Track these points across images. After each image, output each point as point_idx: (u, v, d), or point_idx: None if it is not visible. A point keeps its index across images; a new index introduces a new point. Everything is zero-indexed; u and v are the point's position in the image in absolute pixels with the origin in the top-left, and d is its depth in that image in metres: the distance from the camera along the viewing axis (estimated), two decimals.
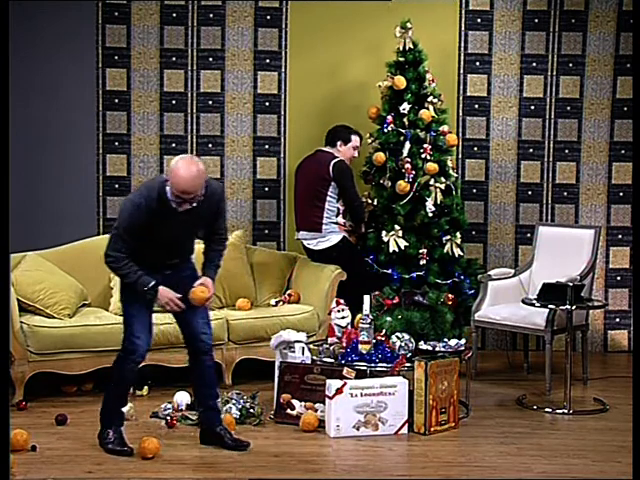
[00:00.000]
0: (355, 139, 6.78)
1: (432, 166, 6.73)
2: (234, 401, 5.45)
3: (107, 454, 4.81)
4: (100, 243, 6.12)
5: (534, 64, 7.37)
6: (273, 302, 6.49)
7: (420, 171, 6.74)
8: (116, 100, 7.16)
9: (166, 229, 4.73)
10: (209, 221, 4.89)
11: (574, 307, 5.74)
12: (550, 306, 5.86)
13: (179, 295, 4.81)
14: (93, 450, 4.87)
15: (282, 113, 7.26)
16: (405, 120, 6.79)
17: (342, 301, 5.94)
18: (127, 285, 4.83)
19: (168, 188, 4.65)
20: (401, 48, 6.84)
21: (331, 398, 5.13)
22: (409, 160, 6.73)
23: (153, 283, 4.75)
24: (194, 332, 4.93)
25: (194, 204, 4.66)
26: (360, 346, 5.49)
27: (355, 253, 6.75)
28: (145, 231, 4.69)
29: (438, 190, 6.76)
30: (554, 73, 7.37)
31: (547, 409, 5.79)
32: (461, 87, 7.35)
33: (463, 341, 5.77)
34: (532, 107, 7.38)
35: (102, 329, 5.83)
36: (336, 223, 6.67)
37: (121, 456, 4.80)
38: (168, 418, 5.34)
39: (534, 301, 5.86)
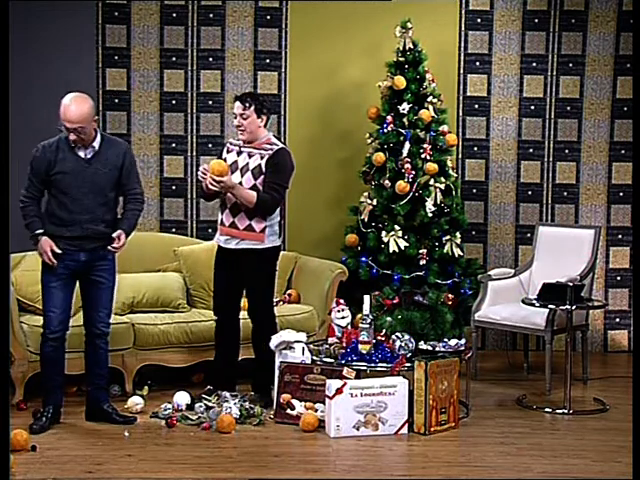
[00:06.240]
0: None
1: (432, 166, 6.73)
2: (234, 401, 5.45)
3: (105, 456, 4.83)
4: None
5: (534, 64, 7.37)
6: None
7: (420, 171, 6.75)
8: (116, 100, 7.17)
9: (73, 178, 5.07)
10: (117, 176, 5.18)
11: (574, 307, 5.74)
12: (550, 306, 5.86)
13: (59, 251, 5.07)
14: (93, 450, 4.88)
15: (282, 113, 7.26)
16: (405, 120, 6.80)
17: (342, 301, 5.94)
18: (45, 265, 5.13)
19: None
20: (401, 48, 6.84)
21: (331, 398, 5.13)
22: (409, 160, 6.73)
23: (40, 231, 5.10)
24: (95, 318, 5.24)
25: (94, 146, 5.09)
26: (360, 346, 5.49)
27: (274, 270, 5.85)
28: (53, 178, 5.08)
29: (438, 190, 6.77)
30: (554, 73, 7.37)
31: (547, 409, 5.79)
32: (461, 87, 7.35)
33: (463, 341, 5.77)
34: (532, 107, 7.38)
35: None
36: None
37: (35, 430, 5.05)
38: (168, 418, 5.35)
39: (534, 301, 5.86)
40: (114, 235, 5.13)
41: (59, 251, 5.08)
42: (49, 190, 5.16)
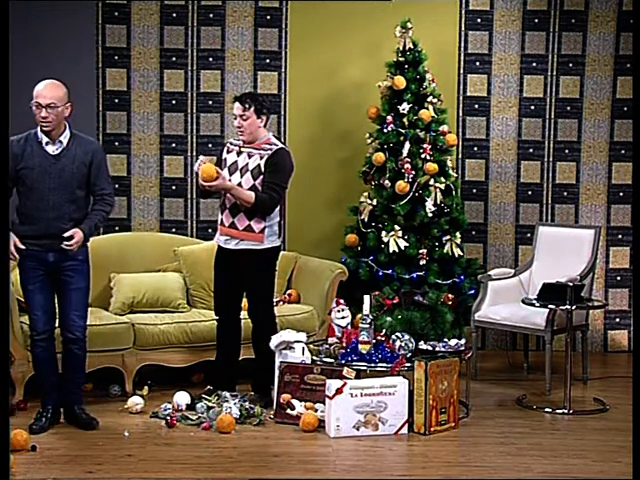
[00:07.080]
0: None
1: (432, 166, 6.73)
2: (234, 401, 5.45)
3: (105, 457, 4.83)
4: (99, 243, 6.16)
5: (534, 64, 7.37)
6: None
7: (420, 171, 6.75)
8: (116, 100, 7.17)
9: (40, 174, 5.03)
10: (86, 173, 5.12)
11: (574, 307, 5.74)
12: (550, 306, 5.86)
13: (22, 247, 5.03)
14: (93, 450, 4.88)
15: (282, 113, 7.26)
16: (405, 120, 6.80)
17: (342, 301, 5.94)
18: (20, 269, 5.17)
19: (38, 129, 5.08)
20: (401, 48, 6.84)
21: (331, 398, 5.13)
22: (409, 160, 6.73)
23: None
24: (67, 322, 5.18)
25: (62, 140, 5.05)
26: (360, 346, 5.49)
27: (273, 270, 5.86)
28: (20, 173, 5.04)
29: (438, 190, 6.77)
30: (554, 73, 7.37)
31: (547, 409, 5.79)
32: (461, 87, 7.35)
33: (463, 341, 5.77)
34: (532, 107, 7.38)
35: (102, 329, 5.83)
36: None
37: (35, 430, 5.06)
38: (168, 418, 5.35)
39: (534, 301, 5.86)
40: (68, 233, 5.04)
41: (22, 247, 5.04)
42: (17, 188, 5.11)
